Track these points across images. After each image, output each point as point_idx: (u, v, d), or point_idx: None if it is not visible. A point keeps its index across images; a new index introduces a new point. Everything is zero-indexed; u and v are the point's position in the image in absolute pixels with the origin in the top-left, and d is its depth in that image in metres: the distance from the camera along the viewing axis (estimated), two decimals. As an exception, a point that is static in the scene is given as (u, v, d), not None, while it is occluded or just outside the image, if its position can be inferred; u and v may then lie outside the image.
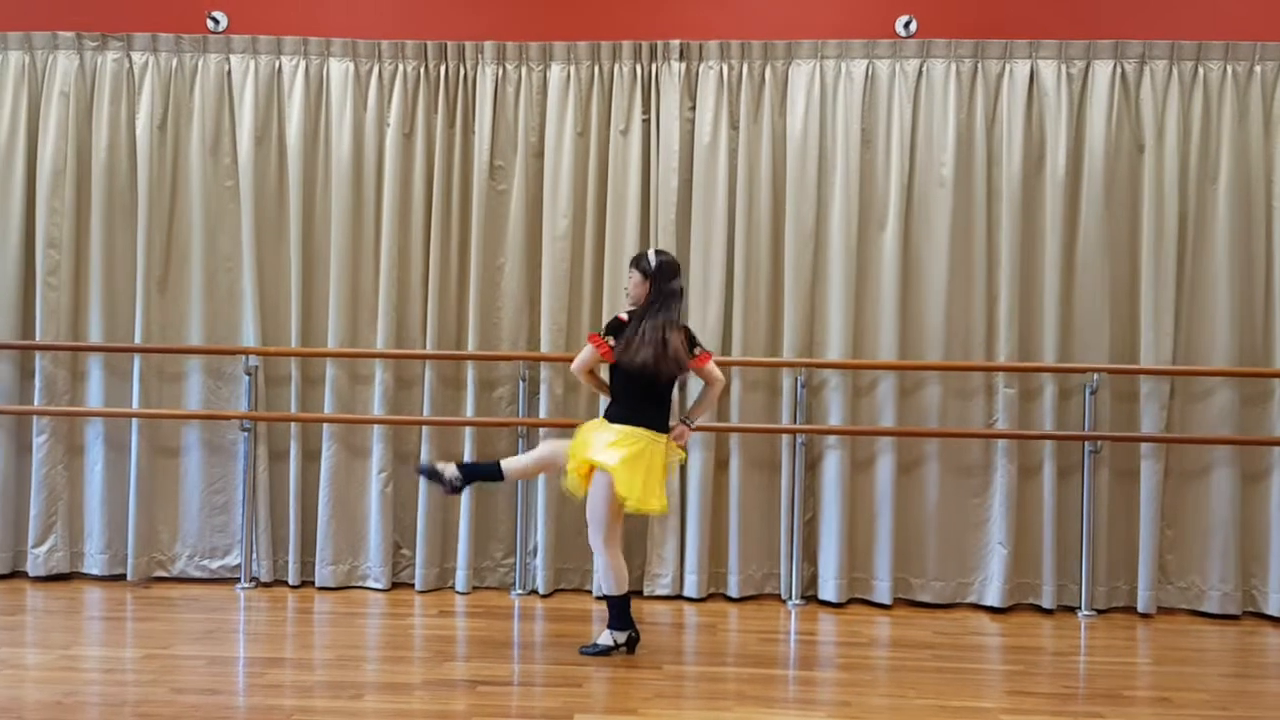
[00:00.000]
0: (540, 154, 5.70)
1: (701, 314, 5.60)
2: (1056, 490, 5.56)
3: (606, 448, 4.49)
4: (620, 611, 4.68)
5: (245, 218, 5.70)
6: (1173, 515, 5.59)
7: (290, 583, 5.71)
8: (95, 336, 5.73)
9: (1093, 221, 5.54)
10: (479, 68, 5.70)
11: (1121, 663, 4.85)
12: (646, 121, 5.69)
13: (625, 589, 4.67)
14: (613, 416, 4.58)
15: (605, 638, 4.68)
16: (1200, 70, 5.54)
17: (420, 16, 5.82)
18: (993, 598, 5.55)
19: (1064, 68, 5.55)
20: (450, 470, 4.75)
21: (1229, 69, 5.53)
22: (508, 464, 4.83)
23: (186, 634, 4.87)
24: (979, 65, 5.59)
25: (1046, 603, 5.55)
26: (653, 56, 5.68)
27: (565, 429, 5.24)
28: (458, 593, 5.64)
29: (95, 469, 5.77)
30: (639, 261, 4.69)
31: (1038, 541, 5.56)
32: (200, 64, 5.73)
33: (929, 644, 4.97)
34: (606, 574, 4.67)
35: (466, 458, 5.64)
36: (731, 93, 5.66)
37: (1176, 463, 5.59)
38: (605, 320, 5.46)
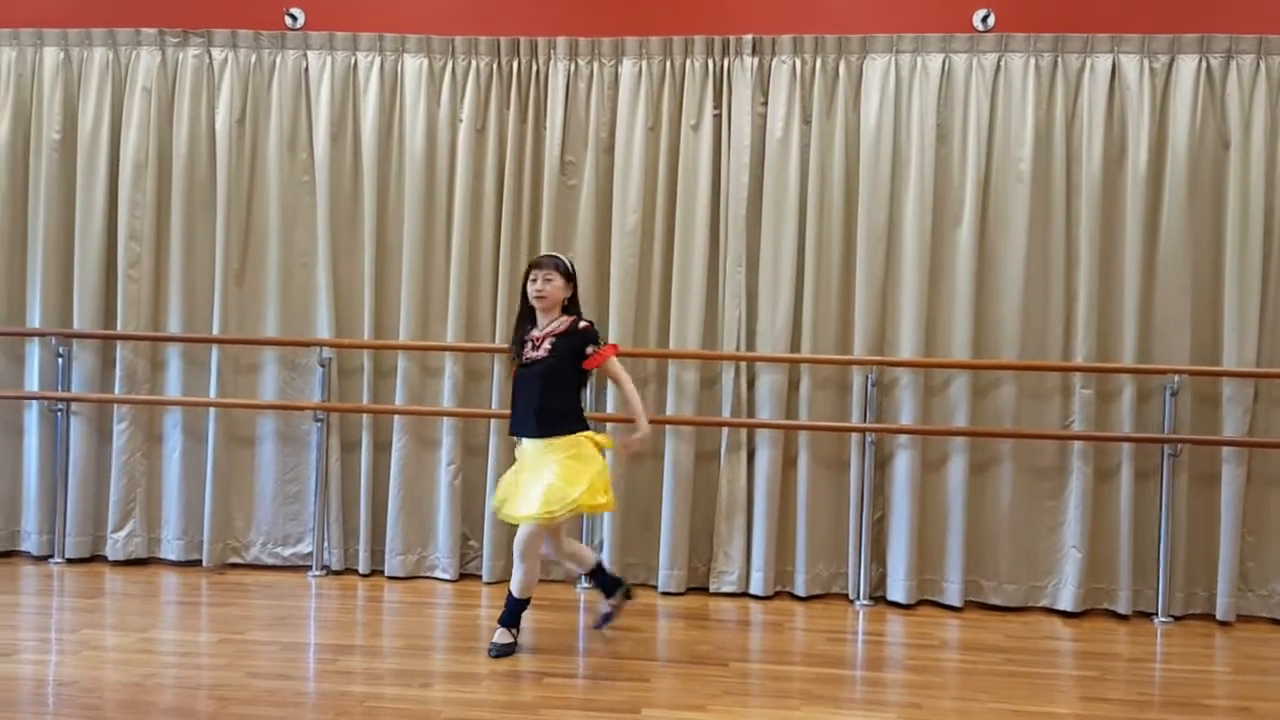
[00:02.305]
0: (611, 149, 5.71)
1: (771, 310, 5.57)
2: (1134, 494, 5.44)
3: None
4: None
5: (321, 212, 5.78)
6: (1255, 521, 5.45)
7: (360, 571, 5.79)
8: (174, 327, 5.85)
9: (1175, 219, 5.41)
10: (551, 63, 5.72)
11: (1199, 671, 4.73)
12: (718, 116, 5.66)
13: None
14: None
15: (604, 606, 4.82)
16: (1289, 64, 5.40)
17: (493, 13, 5.85)
18: (1066, 602, 5.45)
19: (1147, 62, 5.43)
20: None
21: (1320, 63, 5.38)
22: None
23: (260, 619, 4.95)
24: (1059, 60, 5.49)
25: (1122, 608, 5.44)
26: (725, 51, 5.65)
27: (628, 424, 5.22)
28: (525, 585, 5.67)
29: (173, 457, 5.89)
30: (557, 264, 4.52)
31: (1113, 546, 5.46)
32: (278, 60, 5.82)
33: (1000, 647, 4.90)
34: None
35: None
36: (804, 87, 5.61)
37: (1259, 467, 5.45)
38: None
